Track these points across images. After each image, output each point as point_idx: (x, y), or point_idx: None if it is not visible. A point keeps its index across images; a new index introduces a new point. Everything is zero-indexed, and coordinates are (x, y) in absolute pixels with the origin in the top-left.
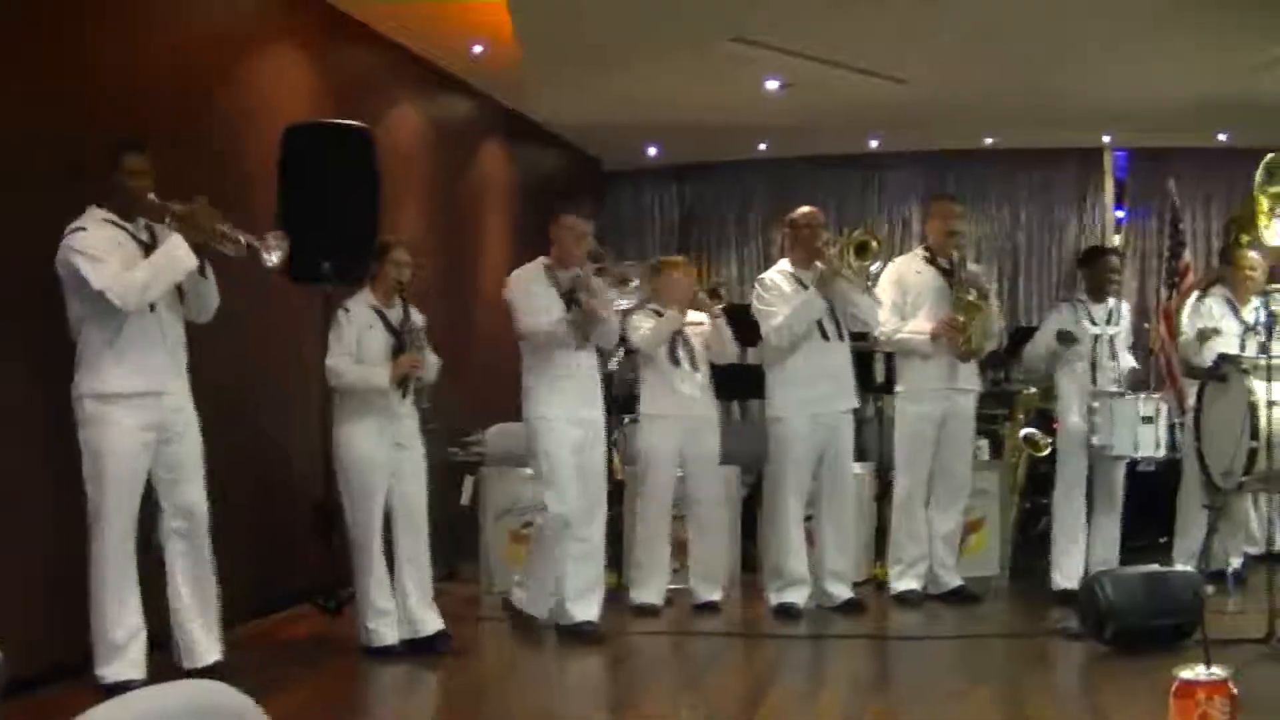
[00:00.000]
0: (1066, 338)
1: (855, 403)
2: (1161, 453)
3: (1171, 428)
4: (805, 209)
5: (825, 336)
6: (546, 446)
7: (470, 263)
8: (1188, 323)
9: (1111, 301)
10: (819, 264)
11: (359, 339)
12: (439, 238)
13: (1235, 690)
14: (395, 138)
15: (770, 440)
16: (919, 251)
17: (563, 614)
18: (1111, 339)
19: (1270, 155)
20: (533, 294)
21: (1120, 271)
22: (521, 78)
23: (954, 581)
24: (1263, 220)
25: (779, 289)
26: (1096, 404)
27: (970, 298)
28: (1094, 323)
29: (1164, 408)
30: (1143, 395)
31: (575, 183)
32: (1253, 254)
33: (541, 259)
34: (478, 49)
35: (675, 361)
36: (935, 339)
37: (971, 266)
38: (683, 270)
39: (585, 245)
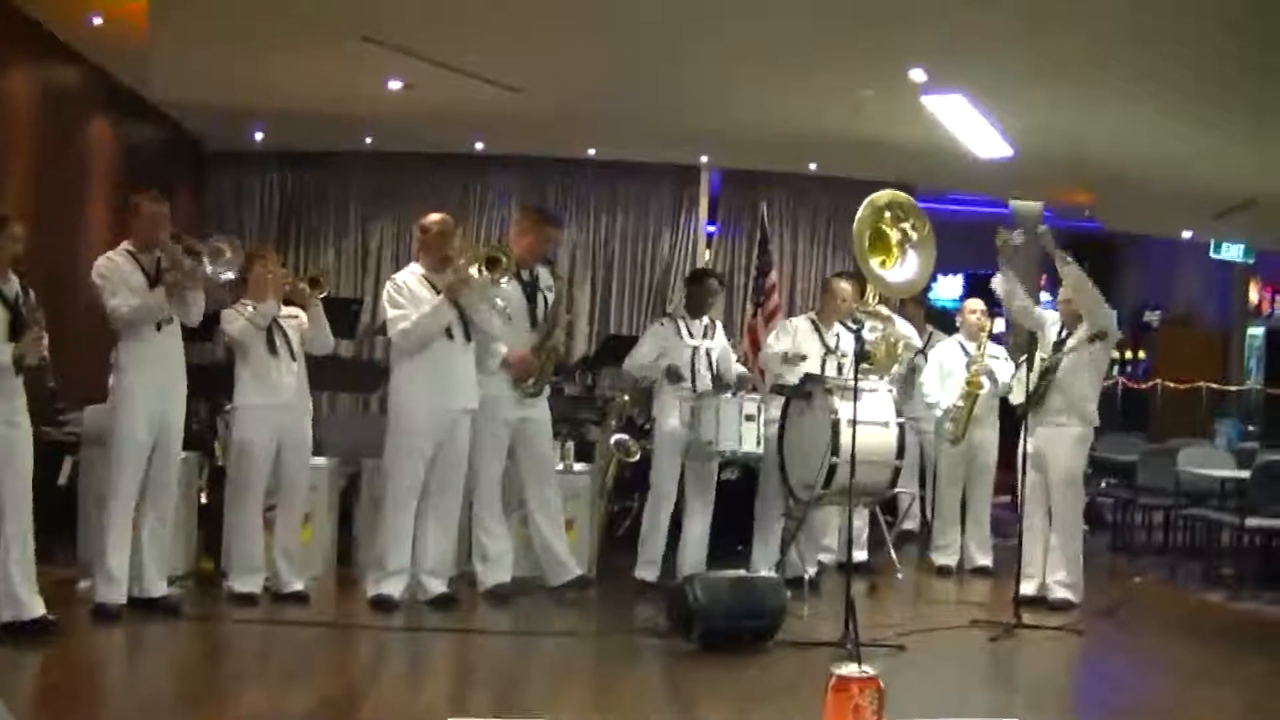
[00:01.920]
0: (674, 374)
1: (475, 403)
2: (761, 449)
3: None
4: (436, 216)
5: (450, 337)
6: (121, 426)
7: (71, 238)
8: (774, 340)
9: (706, 318)
10: (450, 272)
11: None
12: (43, 210)
13: (883, 685)
14: (4, 105)
15: (389, 433)
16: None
17: (142, 589)
18: (707, 351)
19: (894, 194)
20: (121, 275)
21: (717, 294)
22: (143, 53)
23: (573, 572)
24: (891, 253)
25: (409, 290)
26: (698, 405)
27: (552, 343)
28: (691, 335)
29: (763, 407)
30: (743, 395)
31: (177, 161)
32: (843, 283)
33: (124, 244)
34: (96, 20)
35: (273, 352)
36: (505, 367)
37: (547, 280)
38: (271, 263)
39: (164, 227)
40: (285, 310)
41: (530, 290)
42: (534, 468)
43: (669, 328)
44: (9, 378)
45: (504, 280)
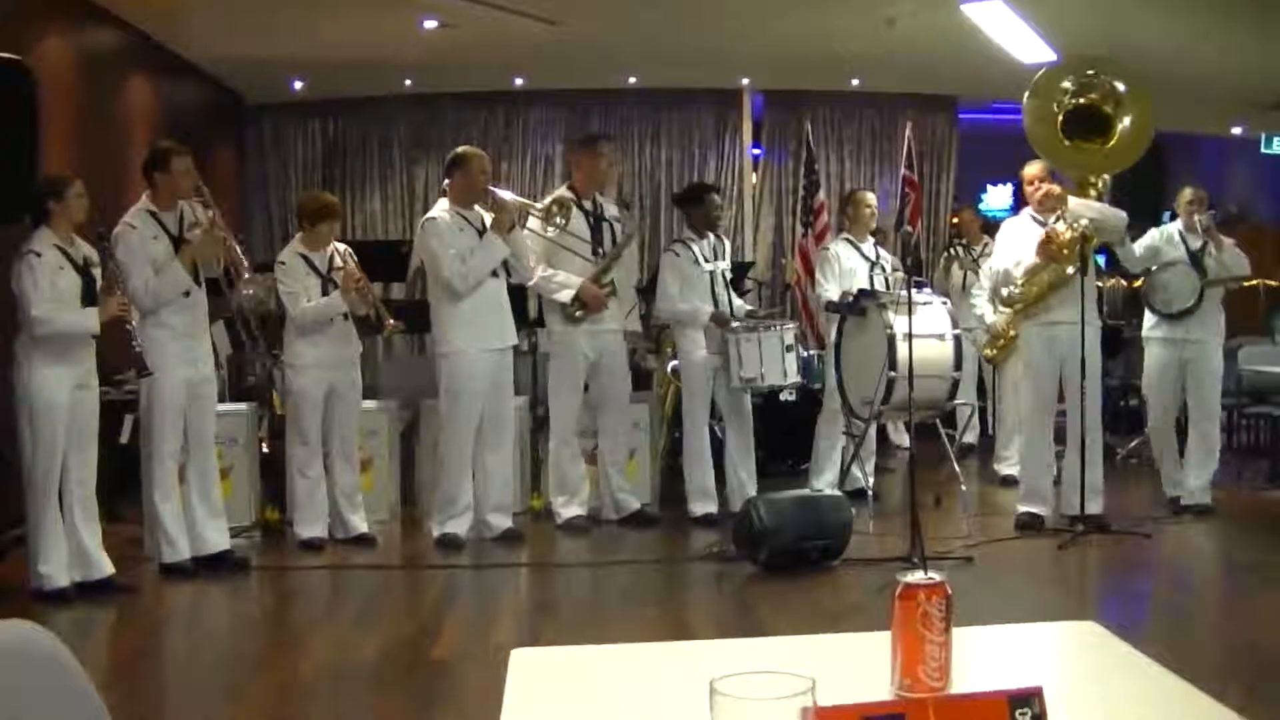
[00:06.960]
0: (721, 319)
1: (515, 339)
2: (799, 377)
3: (809, 359)
4: (472, 151)
5: (495, 274)
6: (157, 389)
7: (116, 200)
8: (825, 281)
9: (712, 237)
10: (495, 210)
11: (52, 282)
12: (86, 174)
13: (950, 591)
14: (42, 70)
15: (443, 376)
16: (565, 193)
17: (201, 545)
18: (723, 273)
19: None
20: (143, 244)
21: (721, 206)
22: (174, 9)
23: (634, 504)
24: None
25: (452, 230)
26: (734, 338)
27: (608, 277)
28: (705, 259)
29: (800, 333)
30: (780, 325)
31: (218, 117)
32: (868, 194)
33: (145, 203)
34: None
35: None
36: (577, 303)
37: (611, 210)
38: (335, 221)
39: (190, 182)
40: (335, 262)
41: (595, 220)
42: (607, 403)
43: (684, 256)
44: (83, 342)
45: (559, 220)
